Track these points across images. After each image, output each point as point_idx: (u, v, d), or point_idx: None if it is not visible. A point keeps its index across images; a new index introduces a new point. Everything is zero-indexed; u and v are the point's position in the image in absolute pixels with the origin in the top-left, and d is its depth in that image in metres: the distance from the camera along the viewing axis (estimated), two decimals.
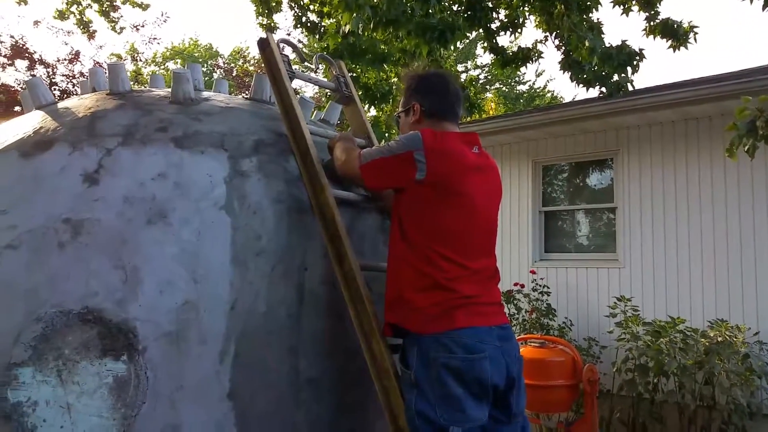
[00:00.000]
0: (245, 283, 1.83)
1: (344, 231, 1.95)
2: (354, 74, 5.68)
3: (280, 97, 2.22)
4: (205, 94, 2.38)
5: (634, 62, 4.98)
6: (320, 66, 2.44)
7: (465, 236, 1.74)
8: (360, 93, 5.69)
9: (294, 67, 2.33)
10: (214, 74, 20.74)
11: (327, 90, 2.64)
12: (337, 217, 1.95)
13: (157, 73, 18.37)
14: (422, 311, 1.70)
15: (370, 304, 1.85)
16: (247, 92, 2.61)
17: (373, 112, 6.78)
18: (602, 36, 5.16)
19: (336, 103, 2.59)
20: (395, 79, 7.22)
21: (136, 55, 14.78)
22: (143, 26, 20.23)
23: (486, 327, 1.70)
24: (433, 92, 1.87)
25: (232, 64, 20.94)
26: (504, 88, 18.73)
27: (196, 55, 21.50)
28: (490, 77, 18.22)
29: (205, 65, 21.23)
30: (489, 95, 17.33)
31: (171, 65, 21.05)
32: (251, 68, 17.91)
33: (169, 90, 2.26)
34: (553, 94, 18.35)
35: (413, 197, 1.73)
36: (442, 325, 1.67)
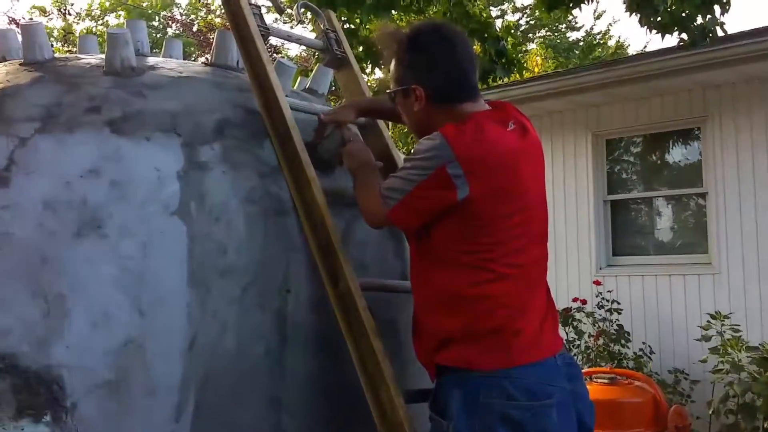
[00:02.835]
0: (207, 313, 1.82)
1: (339, 238, 1.95)
2: (350, 26, 5.67)
3: (250, 61, 2.20)
4: (152, 60, 2.38)
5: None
6: (304, 18, 2.43)
7: (521, 239, 1.78)
8: (359, 51, 5.68)
9: (270, 21, 2.32)
10: (168, 30, 20.86)
11: (313, 50, 2.62)
12: (329, 220, 1.95)
13: (93, 31, 18.55)
14: (469, 341, 1.73)
15: (376, 337, 1.84)
16: (208, 55, 2.61)
17: (378, 74, 6.78)
18: None
19: (325, 67, 2.58)
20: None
21: (65, 7, 14.91)
22: None
23: (551, 360, 1.74)
24: (436, 65, 1.82)
25: (192, 17, 21.09)
26: (552, 37, 18.65)
27: (144, 5, 21.63)
28: (533, 23, 18.16)
29: (157, 19, 21.37)
30: (532, 47, 17.27)
31: (113, 19, 21.22)
32: (218, 21, 18.00)
33: (103, 57, 2.26)
34: (618, 44, 18.25)
35: (455, 218, 1.75)
36: (497, 360, 1.70)
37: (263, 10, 2.33)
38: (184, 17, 21.13)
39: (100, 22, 21.11)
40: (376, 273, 2.11)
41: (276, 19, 12.75)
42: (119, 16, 21.29)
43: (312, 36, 2.55)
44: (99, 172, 1.88)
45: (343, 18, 5.42)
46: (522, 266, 1.78)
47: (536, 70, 14.29)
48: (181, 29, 19.60)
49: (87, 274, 1.77)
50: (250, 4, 2.28)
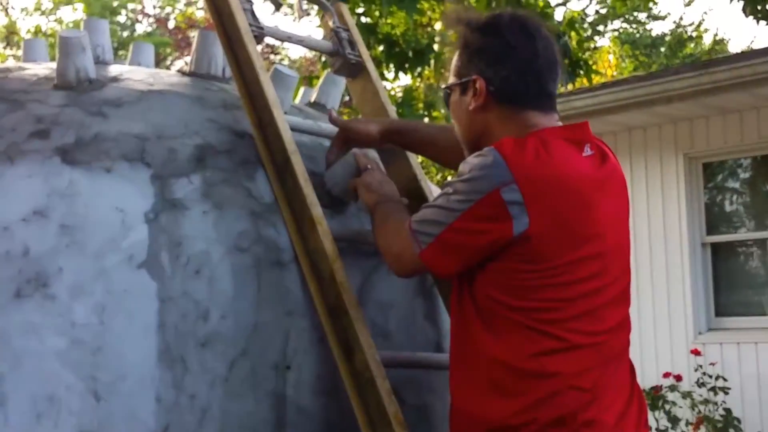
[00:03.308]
0: (183, 397, 1.82)
1: (353, 298, 1.95)
2: (368, 20, 5.75)
3: (240, 70, 2.23)
4: (115, 69, 2.43)
5: None
6: (308, 13, 2.47)
7: (596, 296, 1.77)
8: (378, 52, 5.74)
9: (266, 17, 2.36)
10: (137, 27, 21.30)
11: (320, 54, 2.66)
12: (341, 273, 1.95)
13: (42, 31, 19.01)
14: None
15: (403, 429, 1.82)
16: (188, 60, 2.68)
17: (404, 80, 6.83)
18: None
19: (336, 75, 2.62)
20: (439, 25, 7.29)
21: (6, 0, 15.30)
22: None
23: None
24: (510, 57, 1.85)
25: (168, 10, 21.52)
26: (630, 30, 18.72)
27: None
28: (605, 12, 18.26)
29: (123, 13, 21.86)
30: (604, 43, 17.36)
31: (68, 14, 21.74)
32: (200, 15, 18.37)
33: (54, 66, 2.31)
34: (716, 39, 18.28)
35: (508, 260, 1.74)
36: None
37: (256, 4, 2.37)
38: (157, 11, 21.58)
39: (52, 17, 21.65)
40: (402, 343, 2.11)
41: (273, 12, 12.97)
42: (76, 9, 21.81)
43: (319, 35, 2.58)
44: (46, 213, 1.90)
45: (358, 11, 5.50)
46: (597, 334, 1.76)
47: (609, 73, 14.36)
48: (155, 26, 20.03)
49: (28, 347, 1.77)
50: None
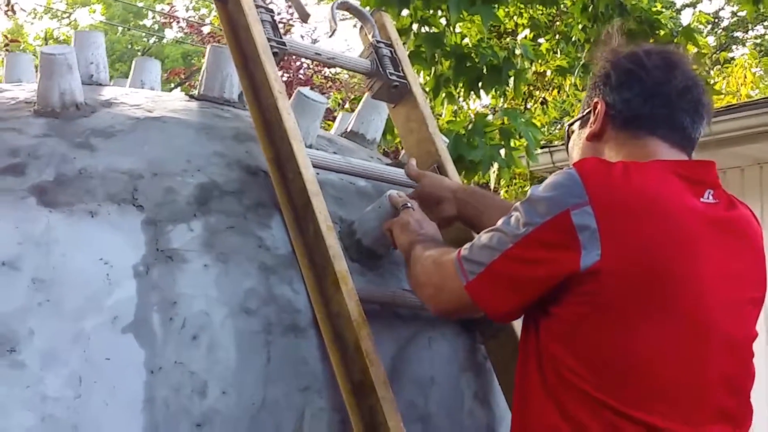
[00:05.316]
0: None
1: (382, 372, 1.95)
2: (432, 29, 5.74)
3: (255, 94, 2.29)
4: (109, 92, 2.50)
5: None
6: (338, 21, 2.53)
7: (684, 383, 1.73)
8: (446, 68, 5.75)
9: (289, 30, 2.40)
10: (166, 33, 21.70)
11: (356, 74, 2.70)
12: (367, 341, 1.96)
13: (53, 36, 19.42)
14: None
15: None
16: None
17: (485, 100, 6.75)
18: None
19: (374, 100, 2.66)
20: (528, 31, 7.29)
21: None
22: None
23: None
24: (639, 80, 1.90)
25: (203, 12, 21.87)
26: None
27: None
28: (736, 21, 18.02)
29: (150, 16, 22.26)
30: (736, 54, 17.11)
31: (84, 17, 22.24)
32: None
33: (35, 88, 2.37)
34: None
35: (577, 304, 1.73)
36: None
37: (275, 13, 2.42)
38: (191, 13, 21.94)
39: (65, 20, 22.18)
40: (444, 429, 2.11)
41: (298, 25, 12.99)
42: (93, 11, 22.32)
43: (350, 53, 2.62)
44: (16, 265, 1.93)
45: (420, 16, 5.49)
46: (683, 422, 1.71)
47: (744, 92, 14.12)
48: (187, 31, 20.37)
49: None
50: (259, 7, 2.38)
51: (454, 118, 6.22)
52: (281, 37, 2.38)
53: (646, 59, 1.91)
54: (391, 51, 2.59)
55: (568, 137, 2.02)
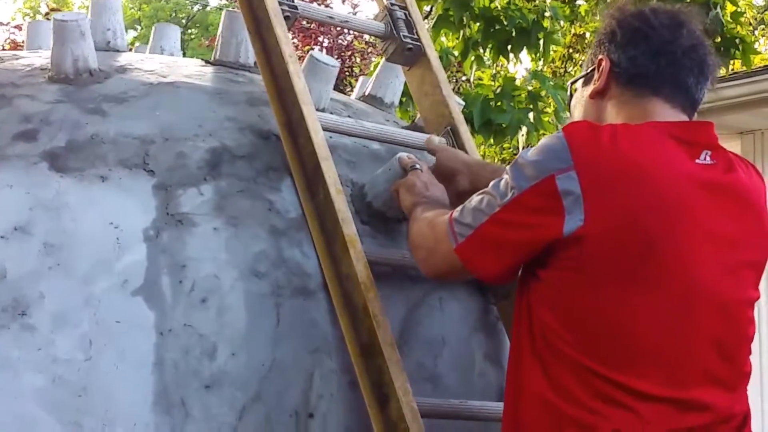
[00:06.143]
0: None
1: (389, 334, 1.96)
2: None
3: (266, 58, 2.29)
4: (125, 58, 2.51)
5: None
6: None
7: (670, 347, 1.72)
8: (474, 31, 5.71)
9: None
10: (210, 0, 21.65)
11: (371, 37, 2.68)
12: (374, 302, 1.97)
13: (52, 13, 19.38)
14: None
15: None
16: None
17: (517, 68, 6.73)
18: None
19: (390, 63, 2.65)
20: None
21: None
22: None
23: None
24: (646, 37, 1.90)
25: None
26: None
27: None
28: None
29: None
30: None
31: None
32: None
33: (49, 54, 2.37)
34: None
35: (561, 269, 1.73)
36: None
37: None
38: None
39: None
40: (455, 389, 2.11)
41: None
42: None
43: (369, 13, 2.61)
44: (27, 229, 1.95)
45: None
46: (669, 384, 1.69)
47: None
48: None
49: (2, 384, 1.81)
50: None
51: (492, 82, 6.20)
52: (293, 1, 2.37)
53: (653, 18, 1.90)
54: (405, 13, 2.57)
55: (571, 95, 2.01)
